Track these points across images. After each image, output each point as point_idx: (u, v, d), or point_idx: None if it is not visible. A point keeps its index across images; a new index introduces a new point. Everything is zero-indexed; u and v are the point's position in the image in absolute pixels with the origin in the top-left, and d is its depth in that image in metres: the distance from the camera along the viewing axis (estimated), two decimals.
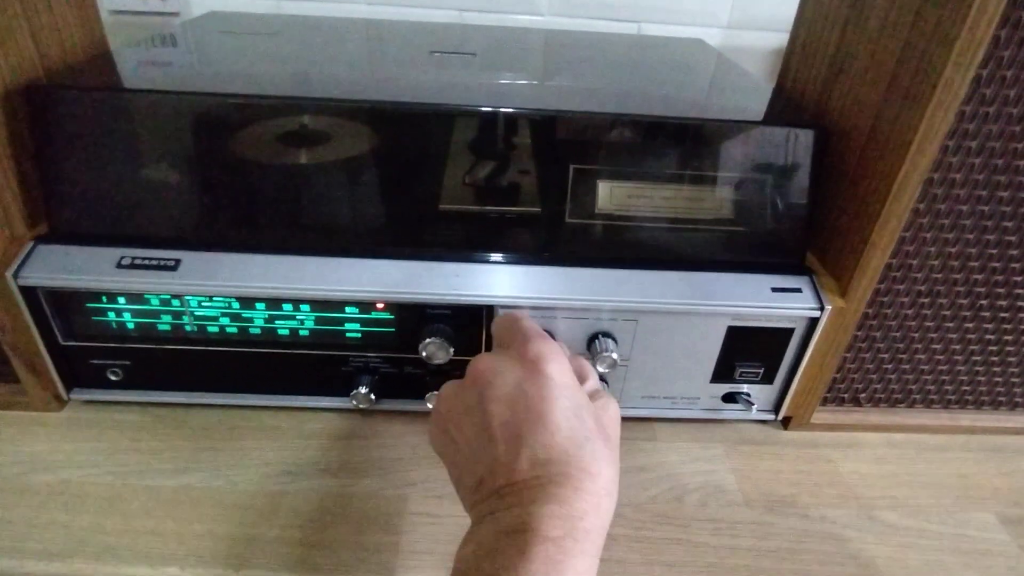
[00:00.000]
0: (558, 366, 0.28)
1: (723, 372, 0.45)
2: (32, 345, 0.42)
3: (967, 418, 0.50)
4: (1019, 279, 0.43)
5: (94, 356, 0.43)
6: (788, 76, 0.52)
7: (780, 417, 0.48)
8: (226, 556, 0.37)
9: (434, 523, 0.40)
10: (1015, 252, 0.42)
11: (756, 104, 0.49)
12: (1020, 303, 0.44)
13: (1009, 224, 0.40)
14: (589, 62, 0.58)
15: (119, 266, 0.40)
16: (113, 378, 0.44)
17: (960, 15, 0.33)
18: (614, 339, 0.42)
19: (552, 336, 0.42)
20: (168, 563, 0.36)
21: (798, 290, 0.42)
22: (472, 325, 0.42)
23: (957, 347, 0.46)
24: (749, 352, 0.44)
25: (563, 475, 0.25)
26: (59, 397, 0.45)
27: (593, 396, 0.30)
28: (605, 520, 0.25)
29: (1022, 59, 0.35)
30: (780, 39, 0.53)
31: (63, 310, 0.41)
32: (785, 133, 0.42)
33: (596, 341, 0.42)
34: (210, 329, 0.42)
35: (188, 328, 0.42)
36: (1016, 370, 0.48)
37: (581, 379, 0.30)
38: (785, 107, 0.48)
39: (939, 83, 0.34)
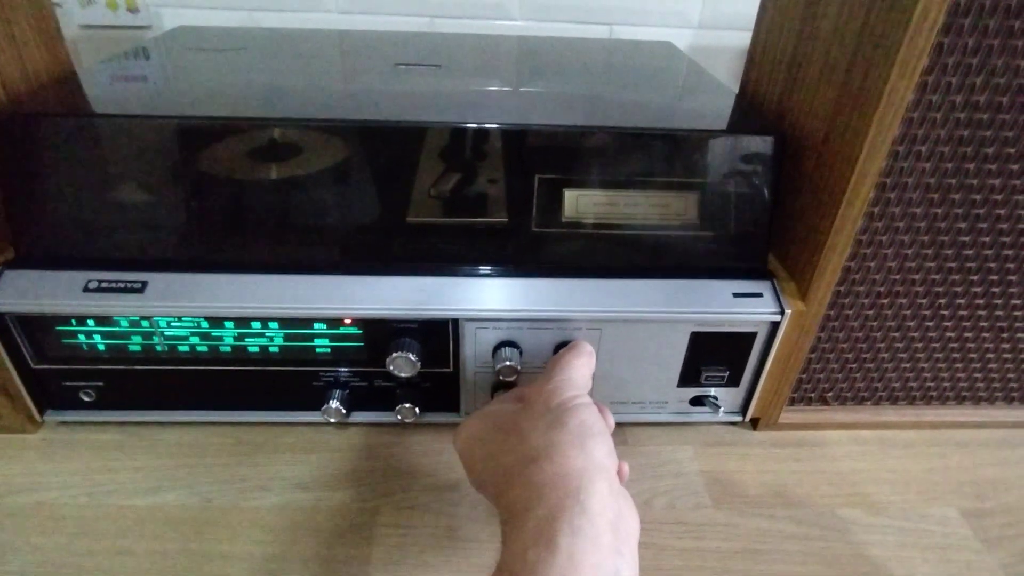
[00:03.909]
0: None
1: (689, 376, 0.46)
2: (3, 369, 0.42)
3: (932, 414, 0.50)
4: (975, 278, 0.44)
5: (66, 378, 0.44)
6: (750, 81, 0.53)
7: (748, 418, 0.49)
8: (199, 574, 0.37)
9: (405, 535, 0.40)
10: (969, 252, 0.42)
11: (718, 111, 0.49)
12: (978, 301, 0.45)
13: (962, 225, 0.41)
14: (554, 70, 0.58)
15: (86, 290, 0.40)
16: (86, 399, 0.45)
17: (902, 22, 0.34)
18: None
19: (519, 348, 0.43)
20: None
21: (759, 295, 0.43)
22: (439, 338, 0.43)
23: (919, 345, 0.47)
24: (714, 356, 0.45)
25: None
26: (33, 419, 0.45)
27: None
28: None
29: (966, 65, 0.36)
30: (749, 40, 0.53)
31: (33, 334, 0.42)
32: (745, 141, 0.43)
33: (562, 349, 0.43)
34: (180, 348, 0.43)
35: (159, 348, 0.43)
36: (978, 365, 0.49)
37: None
38: (746, 114, 0.48)
39: (885, 90, 0.35)
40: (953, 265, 0.43)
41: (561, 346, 0.43)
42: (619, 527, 0.28)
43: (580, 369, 0.37)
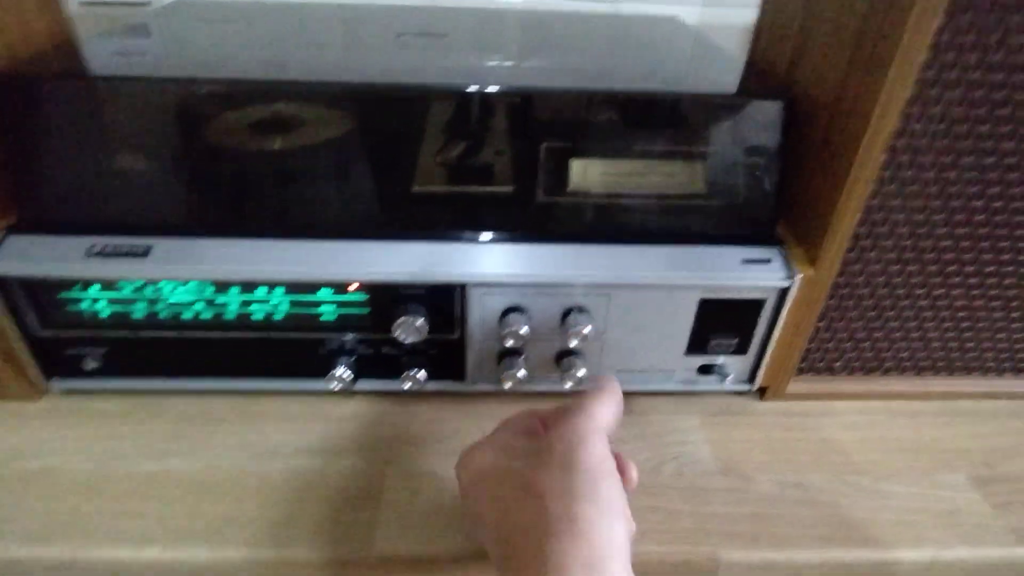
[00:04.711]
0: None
1: (697, 344, 0.45)
2: (6, 335, 0.42)
3: (940, 384, 0.50)
4: (985, 245, 0.43)
5: (70, 345, 0.44)
6: (758, 49, 0.53)
7: (755, 387, 0.48)
8: (206, 535, 0.37)
9: (411, 499, 0.40)
10: (980, 218, 0.42)
11: (727, 78, 0.49)
12: (987, 269, 0.45)
13: (973, 190, 0.41)
14: (559, 42, 0.58)
15: (89, 254, 0.40)
16: (91, 366, 0.44)
17: None
18: (588, 313, 0.43)
19: (526, 314, 0.43)
20: (149, 543, 0.37)
21: (768, 260, 0.43)
22: (446, 304, 0.43)
23: (928, 314, 0.47)
24: (722, 324, 0.45)
25: None
26: (38, 387, 0.45)
27: None
28: None
29: (980, 24, 0.35)
30: (756, 15, 0.53)
31: (37, 299, 0.41)
32: (754, 105, 0.43)
33: (570, 316, 0.43)
34: (185, 315, 0.43)
35: (162, 315, 0.42)
36: (987, 335, 0.48)
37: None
38: (755, 80, 0.48)
39: (898, 49, 0.35)
40: (964, 231, 0.43)
41: (569, 311, 0.43)
42: None
43: (607, 415, 0.32)
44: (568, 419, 0.31)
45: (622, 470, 0.32)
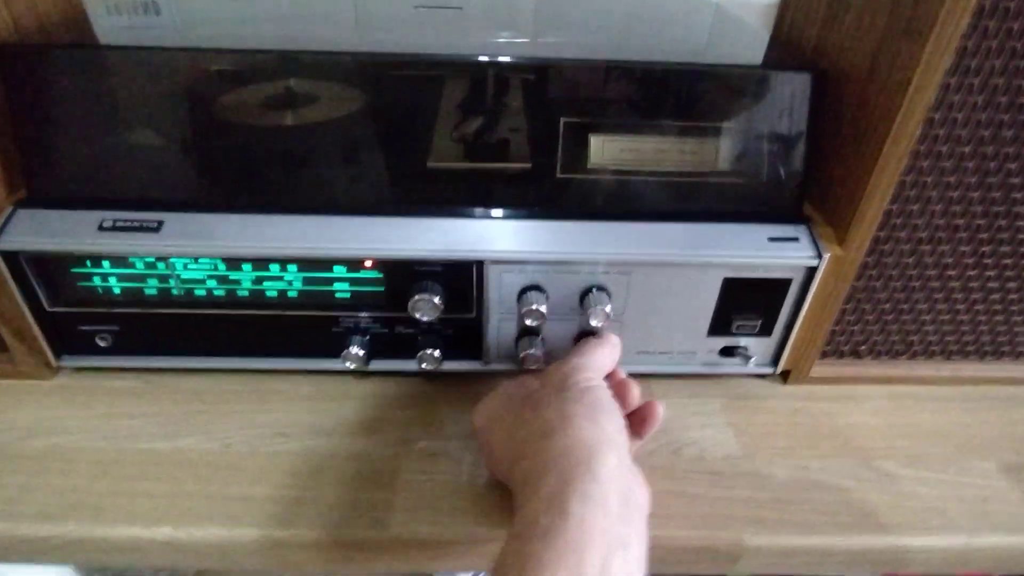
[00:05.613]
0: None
1: (720, 325, 0.44)
2: (18, 311, 0.41)
3: (969, 369, 0.49)
4: (1023, 223, 0.42)
5: (82, 322, 0.43)
6: (785, 22, 0.51)
7: (779, 371, 0.47)
8: (219, 515, 0.37)
9: (427, 480, 0.39)
10: (1018, 195, 0.40)
11: (751, 51, 0.47)
12: (1023, 248, 0.43)
13: (1012, 166, 0.39)
14: (577, 17, 0.56)
15: (101, 228, 0.39)
16: (102, 344, 0.44)
17: None
18: (608, 293, 0.42)
19: (545, 293, 0.42)
20: (161, 523, 0.36)
21: (795, 239, 0.41)
22: (462, 282, 0.41)
23: (959, 295, 0.45)
24: (746, 304, 0.43)
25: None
26: (49, 364, 0.44)
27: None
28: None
29: None
30: None
31: (47, 275, 0.41)
32: (781, 78, 0.41)
33: (589, 295, 0.41)
34: (197, 292, 0.42)
35: (175, 292, 0.42)
36: (1019, 319, 0.47)
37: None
38: (781, 53, 0.47)
39: (940, 14, 0.33)
40: (1000, 209, 0.41)
41: (588, 290, 0.42)
42: (628, 498, 0.29)
43: (601, 356, 0.38)
44: (565, 359, 0.38)
45: (648, 410, 0.37)
